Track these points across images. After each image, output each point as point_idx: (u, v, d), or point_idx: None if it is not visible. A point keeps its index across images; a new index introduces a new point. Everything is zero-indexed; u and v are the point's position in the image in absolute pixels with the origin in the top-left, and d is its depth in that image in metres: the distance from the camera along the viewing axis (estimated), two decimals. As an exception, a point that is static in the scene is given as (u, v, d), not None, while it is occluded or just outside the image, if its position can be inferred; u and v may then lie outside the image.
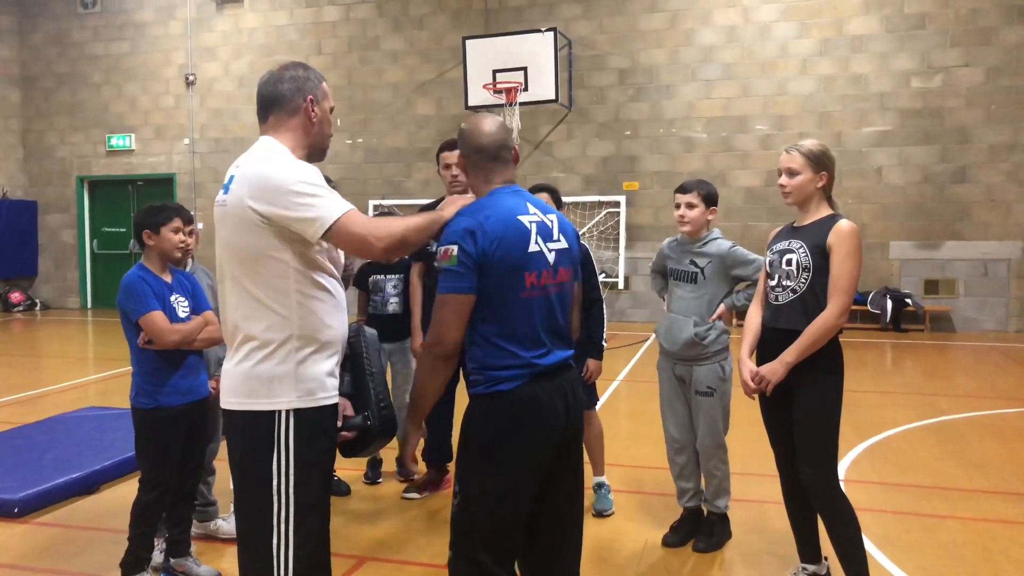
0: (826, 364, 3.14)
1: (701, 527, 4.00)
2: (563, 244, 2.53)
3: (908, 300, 11.39)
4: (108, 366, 9.42)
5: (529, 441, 2.38)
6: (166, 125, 15.06)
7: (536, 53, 11.88)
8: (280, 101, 2.35)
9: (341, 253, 2.38)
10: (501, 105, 12.07)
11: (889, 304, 11.31)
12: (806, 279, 3.15)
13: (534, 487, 2.43)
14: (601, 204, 12.82)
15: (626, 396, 7.50)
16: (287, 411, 2.22)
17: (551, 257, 2.46)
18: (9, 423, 6.34)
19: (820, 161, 3.19)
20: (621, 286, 12.58)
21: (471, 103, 12.31)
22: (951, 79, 11.44)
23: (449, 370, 2.41)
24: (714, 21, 12.30)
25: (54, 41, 15.59)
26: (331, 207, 2.18)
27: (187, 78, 14.79)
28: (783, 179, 3.24)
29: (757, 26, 12.12)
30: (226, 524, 4.04)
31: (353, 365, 2.42)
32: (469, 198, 2.49)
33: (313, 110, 2.35)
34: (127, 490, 4.61)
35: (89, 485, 4.82)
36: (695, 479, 4.01)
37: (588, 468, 4.54)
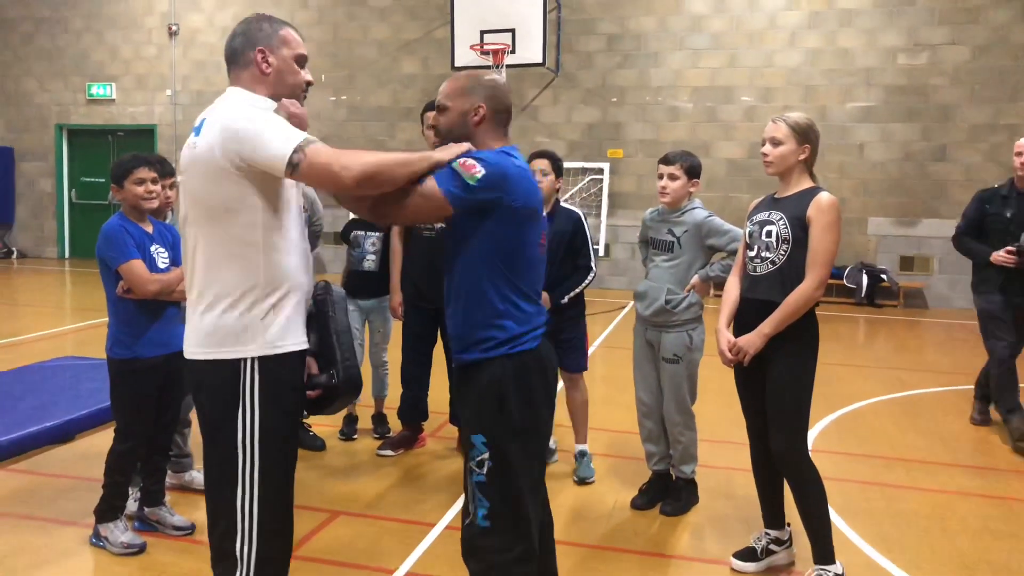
0: (802, 336, 3.20)
1: (669, 491, 4.09)
2: None
3: (883, 276, 11.52)
4: (85, 316, 9.37)
5: (550, 398, 2.47)
6: (148, 75, 14.82)
7: (525, 15, 11.77)
8: (234, 56, 2.33)
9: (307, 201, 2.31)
10: (488, 67, 11.97)
11: (865, 279, 11.45)
12: (785, 251, 3.19)
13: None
14: (585, 171, 12.81)
15: (602, 361, 7.58)
16: (252, 359, 2.21)
17: (544, 219, 2.53)
18: (-16, 371, 6.32)
19: (804, 133, 3.22)
20: (602, 253, 12.63)
21: (457, 63, 12.19)
22: (937, 57, 11.47)
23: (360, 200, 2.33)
24: (704, -11, 12.23)
25: (33, -16, 15.23)
26: (294, 140, 2.12)
27: (170, 28, 14.53)
28: (766, 148, 3.27)
29: (747, -4, 12.06)
30: (200, 476, 4.08)
31: (319, 323, 2.41)
32: (466, 145, 2.38)
33: (266, 61, 2.29)
34: (102, 440, 4.64)
35: (64, 434, 4.83)
36: (663, 443, 4.09)
37: (569, 433, 4.62)
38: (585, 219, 4.45)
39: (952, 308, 11.60)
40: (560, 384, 4.53)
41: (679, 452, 4.03)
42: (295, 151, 2.10)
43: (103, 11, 14.93)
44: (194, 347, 2.26)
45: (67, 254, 15.60)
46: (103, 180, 15.07)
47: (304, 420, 4.92)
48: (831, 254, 3.15)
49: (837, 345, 8.58)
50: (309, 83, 2.41)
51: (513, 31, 11.80)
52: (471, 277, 2.35)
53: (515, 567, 2.36)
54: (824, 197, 3.16)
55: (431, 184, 2.26)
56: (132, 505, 3.71)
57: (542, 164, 4.34)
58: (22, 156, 15.61)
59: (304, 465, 4.56)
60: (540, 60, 11.88)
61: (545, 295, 4.28)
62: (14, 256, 15.45)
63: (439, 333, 4.71)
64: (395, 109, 13.60)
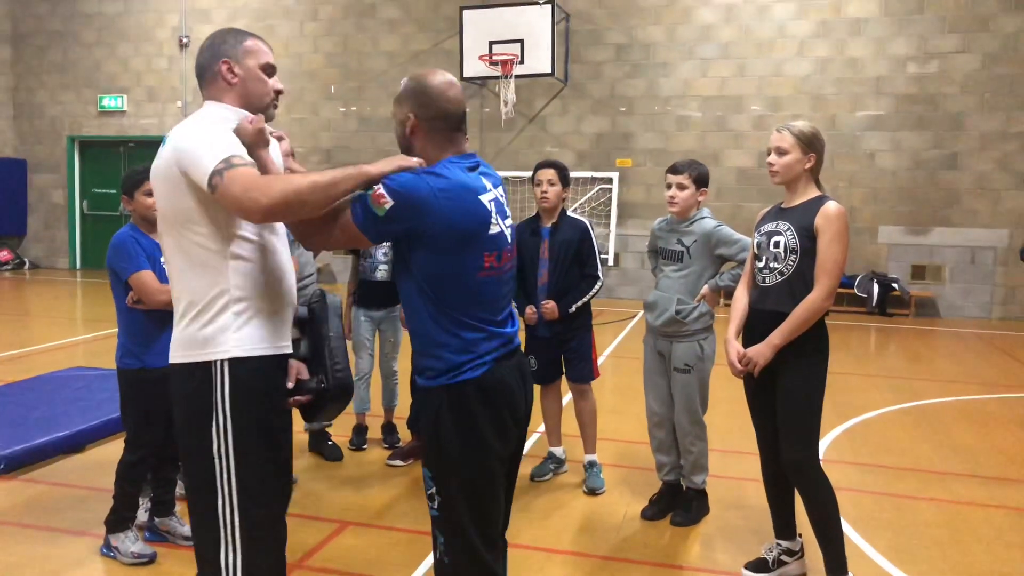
0: (812, 346, 3.19)
1: (679, 501, 4.07)
2: (511, 220, 2.40)
3: (895, 285, 11.47)
4: (96, 327, 9.42)
5: (502, 426, 2.29)
6: (159, 87, 14.93)
7: (533, 25, 11.81)
8: (202, 71, 2.34)
9: None
10: (496, 77, 12.02)
11: (876, 288, 11.40)
12: (793, 261, 3.18)
13: (505, 470, 2.37)
14: (594, 180, 12.81)
15: (613, 371, 7.56)
16: (222, 362, 2.19)
17: (508, 235, 2.33)
18: (-4, 381, 6.36)
19: (810, 142, 3.21)
20: (611, 263, 12.62)
21: (467, 74, 12.25)
22: (947, 65, 11.44)
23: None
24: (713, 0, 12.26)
25: (46, -3, 15.39)
26: (216, 162, 2.07)
27: (181, 40, 14.64)
28: (772, 157, 3.26)
29: (756, 6, 12.07)
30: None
31: (311, 329, 2.42)
32: (414, 160, 2.24)
33: (231, 73, 2.29)
34: (113, 450, 4.65)
35: (75, 444, 4.85)
36: (674, 454, 4.07)
37: (579, 444, 4.61)
38: (592, 228, 4.45)
39: (964, 317, 11.53)
40: (568, 394, 4.56)
41: (690, 462, 4.01)
42: (214, 173, 2.07)
43: (115, 24, 15.06)
44: (171, 353, 2.29)
45: (78, 265, 15.70)
46: (114, 191, 15.17)
47: (327, 429, 4.92)
48: (839, 264, 3.13)
49: (848, 355, 8.54)
50: (279, 91, 2.38)
51: (522, 42, 11.84)
52: (411, 303, 2.27)
53: None
54: (831, 207, 3.15)
55: (346, 215, 2.15)
56: (142, 515, 3.72)
57: (549, 174, 4.34)
58: (35, 168, 15.74)
59: (314, 475, 4.57)
60: (549, 70, 11.91)
61: (552, 304, 4.29)
62: (26, 267, 15.55)
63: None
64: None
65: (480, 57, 11.95)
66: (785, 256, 3.19)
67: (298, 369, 2.39)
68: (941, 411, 6.29)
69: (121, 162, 15.28)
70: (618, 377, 7.37)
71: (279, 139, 2.40)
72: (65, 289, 13.38)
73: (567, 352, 4.44)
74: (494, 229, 2.25)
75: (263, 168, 2.18)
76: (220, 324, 2.20)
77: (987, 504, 4.34)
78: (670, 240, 3.98)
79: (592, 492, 4.37)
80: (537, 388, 4.61)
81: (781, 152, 3.23)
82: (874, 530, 3.95)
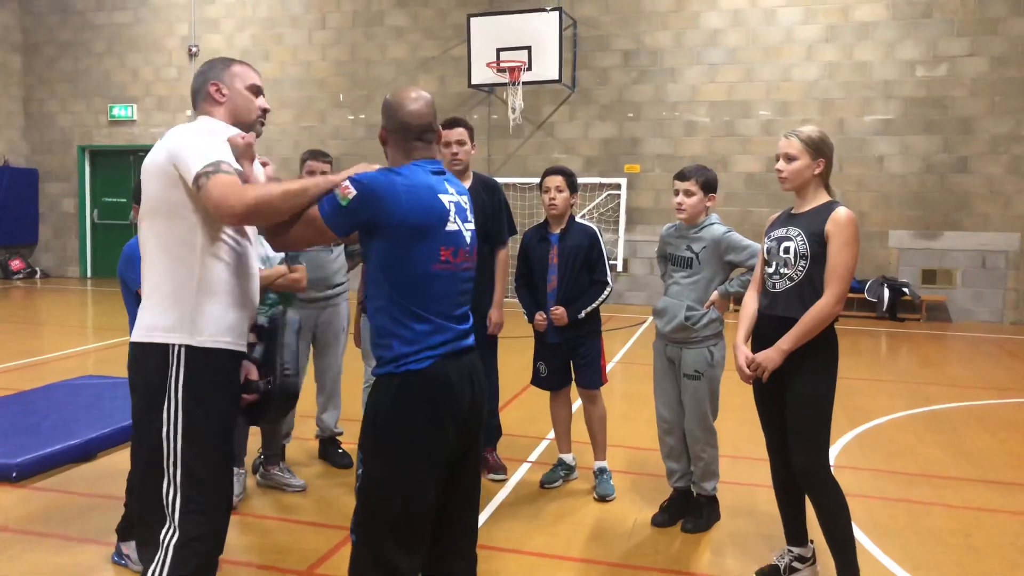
0: (821, 351, 3.17)
1: (690, 508, 4.05)
2: (473, 225, 2.54)
3: (905, 289, 11.42)
4: (107, 335, 9.46)
5: (439, 424, 2.34)
6: (168, 96, 15.01)
7: (541, 32, 11.84)
8: (195, 95, 2.60)
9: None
10: (504, 84, 12.04)
11: (886, 293, 11.35)
12: (804, 267, 3.17)
13: (442, 473, 2.39)
14: (602, 186, 12.81)
15: (621, 377, 7.55)
16: (179, 347, 2.36)
17: (467, 237, 2.47)
18: (8, 389, 6.39)
19: (818, 147, 3.20)
20: (620, 268, 12.61)
21: (474, 81, 12.28)
22: (956, 69, 11.40)
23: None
24: (720, 4, 12.24)
25: (57, 8, 15.50)
26: (205, 164, 2.29)
27: (190, 49, 14.72)
28: (780, 164, 3.25)
29: (763, 10, 12.07)
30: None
31: (268, 337, 2.59)
32: (375, 166, 2.45)
33: (220, 92, 2.55)
34: (123, 458, 4.66)
35: (86, 452, 4.87)
36: (684, 460, 4.06)
37: (589, 450, 4.60)
38: (600, 234, 4.45)
39: (976, 321, 11.47)
40: (578, 401, 4.56)
41: (700, 469, 4.00)
42: (201, 174, 2.28)
43: (125, 34, 15.16)
44: (133, 332, 2.47)
45: (89, 273, 15.78)
46: (124, 200, 15.27)
47: (337, 437, 4.93)
48: (850, 269, 3.12)
49: (859, 360, 8.50)
50: (265, 110, 2.63)
51: (529, 48, 11.86)
52: (370, 293, 2.41)
53: None
54: (842, 212, 3.14)
55: (313, 209, 2.34)
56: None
57: (556, 181, 4.34)
58: (46, 177, 15.85)
59: (324, 483, 4.57)
60: (556, 77, 11.93)
61: (562, 310, 4.29)
62: (37, 276, 15.64)
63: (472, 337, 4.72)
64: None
65: (488, 64, 11.98)
66: (795, 261, 3.18)
67: (248, 370, 2.55)
68: (953, 416, 6.25)
69: (131, 171, 15.37)
70: (627, 383, 7.35)
71: (264, 164, 2.60)
72: (76, 298, 13.45)
73: (576, 358, 4.43)
74: (451, 227, 2.41)
75: (246, 179, 2.39)
76: (184, 312, 2.38)
77: (1001, 510, 4.31)
78: (679, 246, 3.97)
79: (602, 499, 4.36)
80: (546, 394, 4.61)
81: (790, 158, 3.22)
82: (886, 536, 3.93)
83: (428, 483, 2.36)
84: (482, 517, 4.12)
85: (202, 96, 2.58)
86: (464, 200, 2.51)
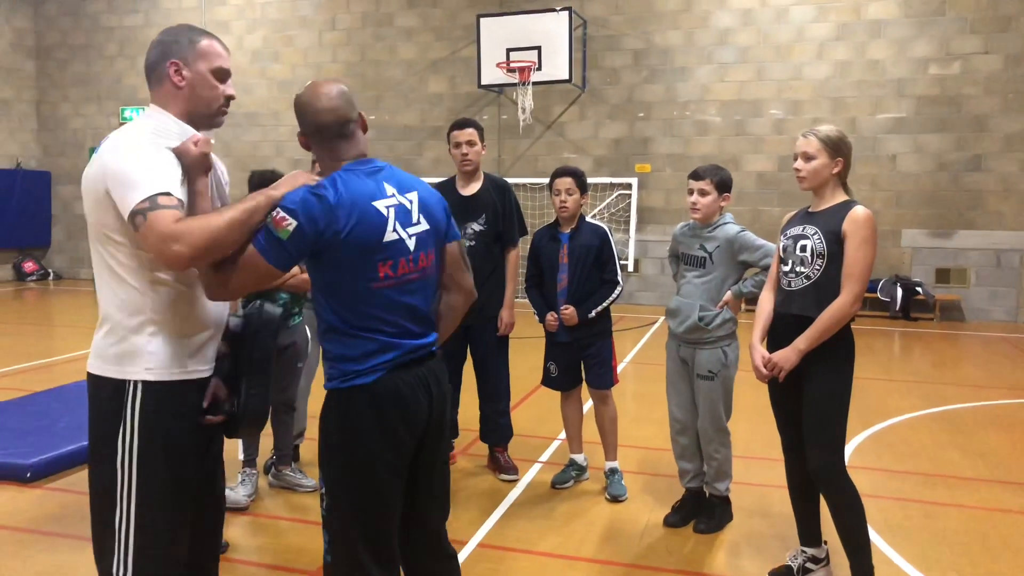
0: (838, 351, 3.15)
1: (702, 508, 4.03)
2: (424, 226, 2.33)
3: (919, 288, 11.35)
4: (119, 337, 9.48)
5: (392, 436, 2.26)
6: (179, 98, 15.05)
7: (551, 32, 11.83)
8: (149, 70, 2.24)
9: None
10: (514, 84, 12.04)
11: (899, 292, 11.28)
12: (820, 265, 3.15)
13: (401, 484, 2.33)
14: (613, 186, 12.79)
15: (633, 377, 7.52)
16: (135, 382, 2.14)
17: (411, 243, 2.28)
18: (22, 390, 6.42)
19: (836, 147, 3.18)
20: (631, 268, 12.58)
21: (484, 82, 12.29)
22: (969, 66, 11.32)
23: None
24: (730, 4, 12.20)
25: (69, 12, 15.60)
26: (141, 197, 1.99)
27: (201, 51, 14.76)
28: (799, 163, 3.23)
29: (774, 9, 12.02)
30: (232, 494, 4.09)
31: (237, 348, 2.35)
32: (312, 176, 2.26)
33: (179, 75, 2.19)
34: (137, 459, 4.67)
35: (99, 453, 4.88)
36: (697, 460, 4.04)
37: (600, 451, 4.59)
38: (611, 234, 4.44)
39: (991, 321, 11.39)
40: (589, 401, 4.54)
41: (713, 469, 3.98)
42: (136, 212, 1.99)
43: (136, 37, 15.24)
44: (89, 360, 2.25)
45: (102, 275, 15.84)
46: (137, 202, 15.31)
47: None
48: (867, 269, 3.10)
49: (872, 359, 8.45)
50: (229, 97, 2.28)
51: (539, 48, 11.86)
52: (317, 313, 2.30)
53: None
54: (859, 211, 3.12)
55: (252, 254, 2.10)
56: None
57: (567, 183, 4.33)
58: (58, 179, 15.95)
59: (335, 483, 4.57)
60: (566, 77, 11.92)
61: (572, 310, 4.28)
62: (50, 277, 15.74)
63: (467, 350, 4.72)
64: (422, 128, 13.70)
65: (498, 64, 11.98)
66: (812, 260, 3.16)
67: (216, 387, 2.30)
68: (968, 416, 6.21)
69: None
70: (639, 383, 7.33)
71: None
72: (88, 299, 13.52)
73: (587, 358, 4.42)
74: (390, 236, 2.23)
75: (196, 199, 2.11)
76: (134, 343, 2.15)
77: (1017, 511, 4.27)
78: (692, 246, 3.95)
79: (614, 499, 4.35)
80: (557, 394, 4.60)
81: (808, 157, 3.20)
82: (901, 537, 3.90)
83: (388, 497, 2.30)
84: (493, 518, 4.11)
85: (157, 76, 2.21)
86: (409, 199, 2.31)
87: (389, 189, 2.28)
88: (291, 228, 2.09)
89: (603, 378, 4.41)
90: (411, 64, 13.73)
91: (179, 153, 2.12)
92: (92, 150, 15.44)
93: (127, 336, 2.15)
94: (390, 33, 13.84)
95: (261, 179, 4.10)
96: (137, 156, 2.06)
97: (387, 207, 2.24)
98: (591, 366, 4.42)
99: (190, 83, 2.20)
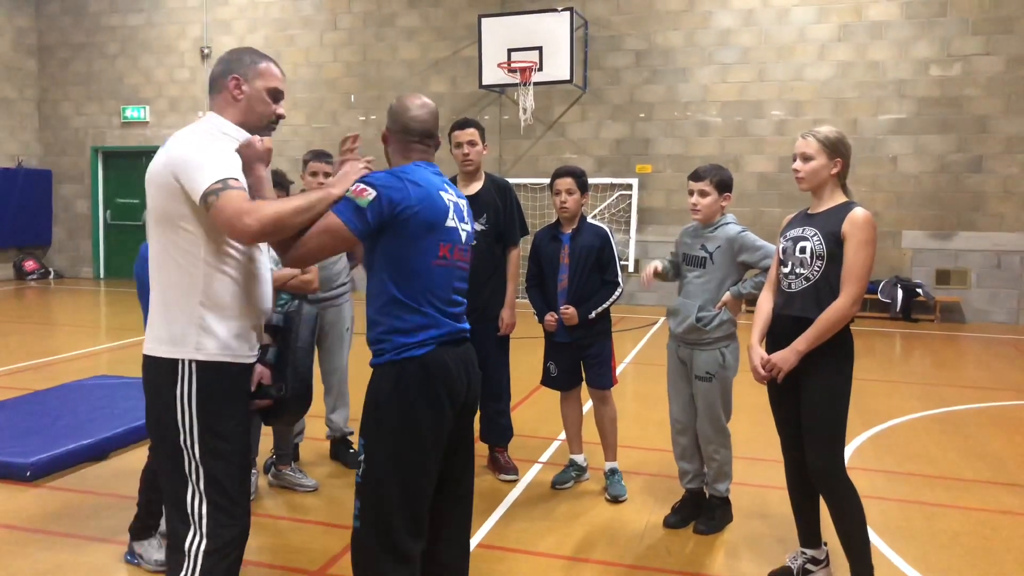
0: (837, 352, 3.15)
1: (702, 509, 4.03)
2: (469, 228, 2.64)
3: (919, 290, 11.34)
4: (120, 335, 9.50)
5: (439, 408, 2.45)
6: (180, 98, 15.08)
7: (552, 32, 11.82)
8: (213, 82, 2.51)
9: None
10: (515, 84, 12.03)
11: (900, 293, 11.27)
12: (820, 267, 3.14)
13: (440, 456, 2.50)
14: (613, 186, 12.78)
15: (634, 378, 7.52)
16: (189, 362, 2.33)
17: (463, 236, 2.58)
18: (22, 389, 6.42)
19: (835, 147, 3.18)
20: (632, 269, 12.56)
21: (485, 82, 12.28)
22: (970, 68, 11.31)
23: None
24: (732, 4, 12.19)
25: (70, 11, 15.59)
26: (214, 180, 2.23)
27: (202, 51, 14.78)
28: (797, 164, 3.23)
29: (775, 10, 12.01)
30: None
31: (282, 339, 2.57)
32: (358, 171, 2.49)
33: (238, 89, 2.45)
34: (136, 457, 4.69)
35: (99, 451, 4.88)
36: (697, 461, 4.04)
37: (600, 451, 4.59)
38: (612, 235, 4.44)
39: (991, 322, 11.37)
40: (589, 402, 4.54)
41: (713, 470, 3.97)
42: (210, 192, 2.22)
43: (137, 36, 15.24)
44: (145, 344, 2.43)
45: (102, 274, 15.86)
46: (137, 201, 15.34)
47: (348, 437, 4.93)
48: (866, 270, 3.10)
49: (872, 361, 8.44)
50: (279, 116, 2.54)
51: (540, 49, 11.85)
52: (373, 290, 2.50)
53: (383, 569, 2.41)
54: (859, 212, 3.12)
55: (332, 219, 2.35)
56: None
57: (567, 183, 4.32)
58: (59, 178, 15.94)
59: (336, 483, 4.57)
60: (568, 77, 11.91)
61: (572, 310, 4.28)
62: (51, 276, 15.73)
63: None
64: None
65: (499, 65, 11.97)
66: (811, 262, 3.16)
67: (261, 374, 2.52)
68: (969, 418, 6.20)
69: (144, 172, 15.37)
70: (639, 384, 7.33)
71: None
72: (89, 298, 13.52)
73: (587, 358, 4.42)
74: (450, 223, 2.53)
75: (259, 186, 2.37)
76: (190, 326, 2.34)
77: (1017, 512, 4.27)
78: (694, 246, 3.95)
79: (614, 500, 4.35)
80: (557, 395, 4.60)
81: (806, 158, 3.20)
82: (902, 539, 3.89)
83: (429, 466, 2.47)
84: (493, 518, 4.11)
85: (218, 87, 2.49)
86: (462, 203, 2.62)
87: (449, 189, 2.59)
88: (370, 197, 2.36)
89: (603, 378, 4.41)
90: (412, 64, 13.72)
91: (246, 145, 2.39)
92: (93, 149, 15.53)
93: (181, 319, 2.34)
94: (391, 33, 13.84)
95: (314, 155, 4.59)
96: (204, 146, 2.32)
97: (448, 200, 2.55)
98: (591, 366, 4.42)
99: (247, 97, 2.47)
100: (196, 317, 2.33)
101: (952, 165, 11.46)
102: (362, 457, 2.45)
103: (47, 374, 7.23)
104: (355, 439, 4.98)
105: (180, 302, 2.34)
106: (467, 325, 2.62)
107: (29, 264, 15.54)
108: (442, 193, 2.52)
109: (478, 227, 4.59)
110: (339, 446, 4.94)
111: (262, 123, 2.51)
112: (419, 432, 2.42)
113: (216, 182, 2.23)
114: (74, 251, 16.01)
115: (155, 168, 2.37)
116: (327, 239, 2.36)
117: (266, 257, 2.55)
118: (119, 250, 15.60)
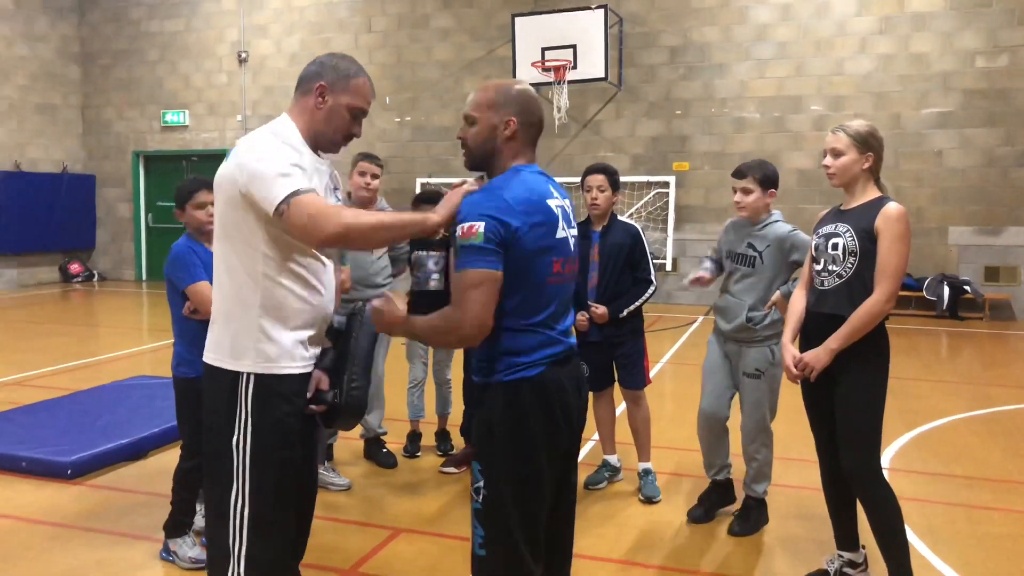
0: (871, 350, 3.07)
1: (727, 501, 3.99)
2: (574, 231, 2.41)
3: (966, 287, 11.07)
4: (161, 336, 9.65)
5: (556, 427, 2.29)
6: (219, 102, 15.29)
7: (586, 30, 11.76)
8: (301, 80, 2.42)
9: None
10: (550, 83, 11.99)
11: (946, 291, 11.01)
12: (852, 263, 3.07)
13: (559, 473, 2.35)
14: (650, 184, 12.68)
15: (670, 378, 7.44)
16: (248, 374, 2.32)
17: (572, 243, 2.36)
18: (65, 389, 6.55)
19: (866, 142, 3.11)
20: (669, 268, 12.45)
21: (520, 81, 12.24)
22: (1017, 59, 11.01)
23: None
24: (769, -2, 12.03)
25: (112, 19, 15.91)
26: (286, 191, 2.19)
27: (239, 55, 14.97)
28: (828, 159, 3.17)
29: (814, 4, 11.81)
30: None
31: (340, 344, 2.51)
32: (466, 189, 2.31)
33: (322, 97, 2.37)
34: (173, 457, 4.73)
35: (137, 451, 4.96)
36: (722, 455, 3.99)
37: (633, 452, 4.54)
38: (643, 233, 4.38)
39: (1040, 320, 11.07)
40: (622, 403, 4.49)
41: (753, 470, 3.90)
42: (283, 201, 2.18)
43: (177, 42, 15.49)
44: (205, 352, 2.43)
45: (144, 276, 16.15)
46: (179, 204, 15.56)
47: (381, 437, 4.93)
48: (901, 266, 3.02)
49: (916, 360, 8.25)
50: (354, 134, 2.45)
51: (574, 47, 11.80)
52: None
53: None
54: (892, 207, 3.04)
55: (469, 275, 2.16)
56: (199, 521, 3.77)
57: (598, 180, 4.28)
58: (102, 182, 16.27)
59: (368, 482, 4.58)
60: (602, 75, 11.85)
61: (603, 309, 4.23)
62: (95, 279, 16.06)
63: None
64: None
65: (533, 64, 11.95)
66: (844, 258, 3.09)
67: (319, 379, 2.46)
68: (1017, 418, 6.02)
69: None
70: (676, 384, 7.24)
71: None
72: (131, 300, 13.78)
73: (618, 358, 4.37)
74: (561, 234, 2.29)
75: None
76: (249, 337, 2.32)
77: (1067, 515, 4.13)
78: (740, 243, 3.88)
79: (648, 500, 4.29)
80: (591, 395, 4.55)
81: (837, 153, 3.13)
82: (944, 542, 3.79)
83: (546, 489, 2.31)
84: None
85: (303, 90, 2.40)
86: (567, 204, 2.37)
87: (555, 192, 2.33)
88: (481, 230, 2.14)
89: (635, 378, 4.36)
90: (446, 65, 13.75)
91: (378, 311, 2.31)
92: (135, 153, 15.79)
93: (243, 330, 2.32)
94: (425, 34, 13.89)
95: (363, 156, 4.62)
96: (274, 157, 2.25)
97: (556, 206, 2.30)
98: (623, 366, 4.37)
99: (328, 109, 2.38)
100: (252, 329, 2.31)
101: (1000, 159, 11.17)
102: (481, 483, 2.29)
103: (89, 374, 7.37)
104: (388, 439, 5.00)
105: (240, 315, 2.32)
106: (574, 340, 2.42)
107: (74, 267, 15.88)
108: (551, 201, 2.27)
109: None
110: (372, 446, 4.95)
111: (336, 137, 2.42)
112: (537, 455, 2.26)
113: (290, 193, 2.18)
114: (117, 254, 16.33)
115: (223, 175, 2.32)
116: (479, 294, 2.16)
117: (331, 263, 2.48)
118: (160, 253, 15.86)
